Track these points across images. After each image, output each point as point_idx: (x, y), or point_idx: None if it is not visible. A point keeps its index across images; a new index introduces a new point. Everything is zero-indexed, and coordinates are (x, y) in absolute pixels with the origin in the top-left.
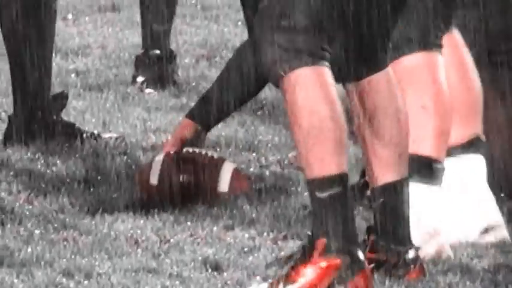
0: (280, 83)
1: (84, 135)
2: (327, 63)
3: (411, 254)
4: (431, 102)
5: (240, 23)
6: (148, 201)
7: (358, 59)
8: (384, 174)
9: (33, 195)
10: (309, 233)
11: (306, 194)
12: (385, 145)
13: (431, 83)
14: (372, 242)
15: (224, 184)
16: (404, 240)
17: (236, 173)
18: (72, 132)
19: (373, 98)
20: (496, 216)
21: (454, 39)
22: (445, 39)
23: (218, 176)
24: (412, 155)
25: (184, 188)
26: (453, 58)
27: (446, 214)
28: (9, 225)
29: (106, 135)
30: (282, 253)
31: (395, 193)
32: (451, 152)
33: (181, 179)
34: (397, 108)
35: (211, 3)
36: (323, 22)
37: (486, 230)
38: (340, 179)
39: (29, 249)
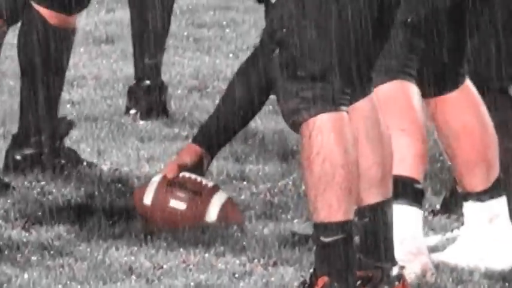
0: (300, 131)
1: (85, 163)
2: (344, 108)
3: (395, 271)
4: (410, 125)
5: (231, 54)
6: (143, 221)
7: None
8: (368, 195)
9: (29, 222)
10: (311, 270)
11: (295, 221)
12: (368, 168)
13: (409, 108)
14: (359, 260)
15: (213, 214)
16: (388, 258)
17: (228, 204)
18: (74, 158)
19: (357, 122)
20: None
21: (466, 83)
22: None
23: (208, 205)
24: (394, 176)
25: (174, 213)
26: (467, 101)
27: (475, 252)
28: (6, 252)
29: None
30: (272, 279)
31: (379, 213)
32: (479, 197)
33: (172, 204)
34: (380, 132)
35: (203, 36)
36: (336, 68)
37: None
38: (345, 226)
39: (26, 275)
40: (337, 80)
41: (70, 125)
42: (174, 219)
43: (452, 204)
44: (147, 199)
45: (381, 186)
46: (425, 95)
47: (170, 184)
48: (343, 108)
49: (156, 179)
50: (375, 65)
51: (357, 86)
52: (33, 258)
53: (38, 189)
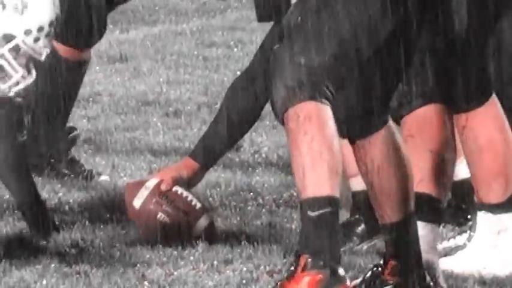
0: (285, 116)
1: (85, 172)
2: (328, 102)
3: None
4: (437, 146)
5: (238, 72)
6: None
7: (363, 119)
8: (393, 213)
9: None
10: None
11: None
12: (390, 189)
13: (440, 131)
14: (392, 266)
15: (195, 234)
16: (413, 266)
17: (211, 228)
18: (80, 171)
19: (378, 149)
20: None
21: (492, 99)
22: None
23: (192, 226)
24: (417, 193)
25: (159, 225)
26: (493, 117)
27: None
28: (26, 260)
29: (102, 178)
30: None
31: (402, 228)
32: (492, 209)
33: (159, 216)
34: (401, 156)
35: (211, 55)
36: (335, 67)
37: None
38: (332, 200)
39: (44, 282)
40: (327, 76)
41: (74, 139)
42: (157, 231)
43: (449, 215)
44: (137, 203)
45: (403, 205)
46: (455, 110)
47: (161, 196)
48: (327, 102)
49: (150, 185)
50: (392, 96)
51: (376, 116)
52: (51, 265)
53: (56, 200)
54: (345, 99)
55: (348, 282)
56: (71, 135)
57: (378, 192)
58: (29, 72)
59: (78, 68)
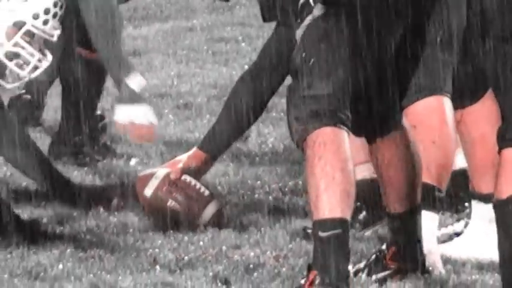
0: (304, 143)
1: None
2: (345, 126)
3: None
4: (439, 138)
5: (246, 66)
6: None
7: (377, 122)
8: (400, 204)
9: (64, 218)
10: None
11: (305, 217)
12: (399, 182)
13: (442, 122)
14: (393, 252)
15: (204, 220)
16: (414, 253)
17: (219, 213)
18: (109, 153)
19: (390, 148)
20: None
21: (487, 95)
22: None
23: (201, 212)
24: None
25: (169, 212)
26: (487, 113)
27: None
28: (43, 245)
29: (132, 162)
30: (283, 269)
31: (408, 219)
32: (484, 199)
33: (169, 203)
34: (410, 153)
35: (220, 50)
36: (342, 91)
37: None
38: (342, 223)
39: (60, 266)
40: (342, 101)
41: (105, 127)
42: (168, 218)
43: (447, 202)
44: (148, 191)
45: (410, 198)
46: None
47: (171, 184)
48: (344, 126)
49: (160, 175)
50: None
51: (386, 120)
52: (67, 250)
53: None
54: (359, 107)
55: (351, 267)
56: (101, 123)
57: (386, 184)
58: (44, 55)
59: (101, 67)
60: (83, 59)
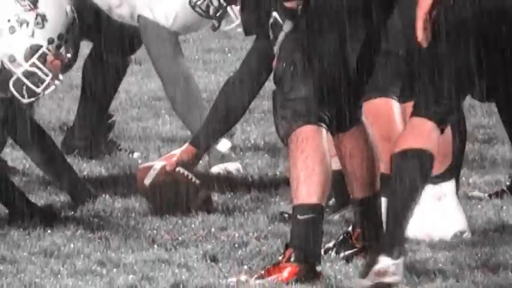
0: (288, 139)
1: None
2: (323, 124)
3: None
4: (391, 134)
5: (231, 73)
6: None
7: (339, 118)
8: (362, 191)
9: (74, 204)
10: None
11: (282, 203)
12: (361, 172)
13: (392, 121)
14: (358, 233)
15: (196, 205)
16: (377, 233)
17: (208, 199)
18: (116, 150)
19: (352, 142)
20: (463, 224)
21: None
22: None
23: (193, 199)
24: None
25: (165, 198)
26: None
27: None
28: (56, 227)
29: (134, 155)
30: (264, 248)
31: (368, 204)
32: (432, 180)
33: (165, 191)
34: (369, 145)
35: (210, 59)
36: (320, 93)
37: (457, 234)
38: (318, 208)
39: (72, 245)
40: (320, 102)
41: (112, 125)
42: (164, 203)
43: None
44: (147, 181)
45: (371, 185)
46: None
47: (167, 175)
48: (322, 124)
49: (157, 167)
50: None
51: (348, 116)
52: (78, 231)
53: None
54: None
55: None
56: (109, 121)
57: (349, 173)
58: (56, 75)
59: (119, 72)
60: (106, 64)
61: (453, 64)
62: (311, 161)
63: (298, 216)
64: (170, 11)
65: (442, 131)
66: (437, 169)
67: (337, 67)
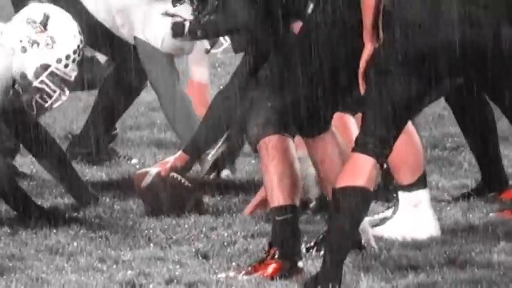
0: (258, 146)
1: (121, 157)
2: (290, 135)
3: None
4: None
5: (221, 86)
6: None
7: (313, 124)
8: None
9: (78, 206)
10: (269, 242)
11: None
12: (333, 176)
13: (345, 132)
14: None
15: (188, 207)
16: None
17: (200, 203)
18: (116, 157)
19: (319, 147)
20: (437, 230)
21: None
22: None
23: (186, 202)
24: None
25: (160, 200)
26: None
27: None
28: (61, 227)
29: (132, 162)
30: (251, 246)
31: (331, 205)
32: (407, 188)
33: (160, 194)
34: (338, 152)
35: None
36: (293, 107)
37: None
38: (293, 208)
39: (75, 243)
40: (292, 114)
41: (115, 136)
42: (160, 205)
43: (379, 194)
44: (145, 183)
45: None
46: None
47: (162, 180)
48: (289, 135)
49: (153, 172)
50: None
51: (319, 124)
52: (81, 231)
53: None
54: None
55: (304, 244)
56: (113, 132)
57: (322, 177)
58: (63, 91)
59: (135, 91)
60: (124, 84)
61: (389, 101)
62: (282, 166)
63: (277, 218)
64: (159, 33)
65: (381, 166)
66: (409, 179)
67: (313, 82)
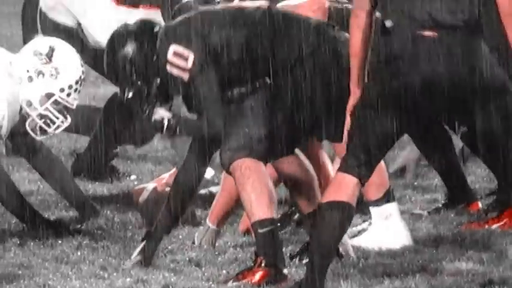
0: (231, 168)
1: (120, 174)
2: (260, 159)
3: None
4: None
5: None
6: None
7: (280, 147)
8: (305, 207)
9: (80, 218)
10: (255, 252)
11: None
12: (300, 192)
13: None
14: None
15: (183, 220)
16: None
17: (194, 216)
18: (116, 174)
19: (285, 168)
20: (409, 239)
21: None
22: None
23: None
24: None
25: (157, 213)
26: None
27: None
28: (66, 238)
29: (131, 178)
30: (240, 255)
31: (314, 216)
32: (376, 203)
33: (156, 208)
34: (307, 171)
35: None
36: (261, 135)
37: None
38: (272, 221)
39: (79, 253)
40: (260, 142)
41: (116, 154)
42: (156, 218)
43: (357, 208)
44: (142, 199)
45: (311, 201)
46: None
47: (157, 195)
48: (258, 157)
49: (150, 188)
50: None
51: (285, 148)
52: (84, 242)
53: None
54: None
55: (288, 254)
56: (114, 151)
57: (293, 194)
58: (65, 117)
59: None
60: (127, 109)
61: (373, 132)
62: (258, 184)
63: (259, 230)
64: None
65: (362, 185)
66: (376, 195)
67: (292, 120)
